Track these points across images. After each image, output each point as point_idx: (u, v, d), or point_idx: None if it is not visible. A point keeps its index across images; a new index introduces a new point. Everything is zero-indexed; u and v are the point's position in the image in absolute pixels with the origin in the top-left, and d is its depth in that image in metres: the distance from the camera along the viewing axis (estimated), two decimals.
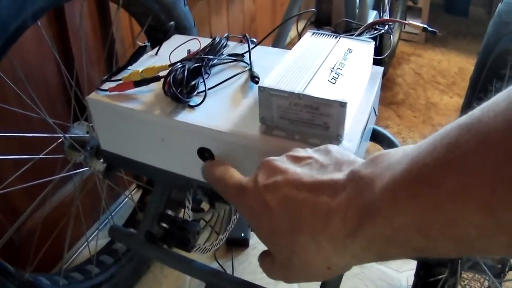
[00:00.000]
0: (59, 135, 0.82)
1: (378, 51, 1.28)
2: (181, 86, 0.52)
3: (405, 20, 2.47)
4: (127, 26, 1.13)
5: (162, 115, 0.53)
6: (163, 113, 0.53)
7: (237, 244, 1.18)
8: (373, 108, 0.59)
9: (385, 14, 1.46)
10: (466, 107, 0.67)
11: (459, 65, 2.41)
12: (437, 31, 0.72)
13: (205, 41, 0.64)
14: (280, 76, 0.47)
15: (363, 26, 0.65)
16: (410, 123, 1.78)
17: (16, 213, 0.94)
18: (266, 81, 0.46)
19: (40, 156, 0.85)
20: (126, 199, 1.27)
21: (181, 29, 0.97)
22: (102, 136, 0.63)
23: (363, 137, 0.51)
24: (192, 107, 0.52)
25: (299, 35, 0.67)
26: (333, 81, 0.46)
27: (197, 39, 0.64)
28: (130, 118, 0.56)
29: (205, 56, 0.55)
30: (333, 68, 0.48)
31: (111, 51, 1.04)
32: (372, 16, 1.23)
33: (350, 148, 0.45)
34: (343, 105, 0.42)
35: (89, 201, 1.07)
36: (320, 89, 0.44)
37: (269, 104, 0.46)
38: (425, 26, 0.70)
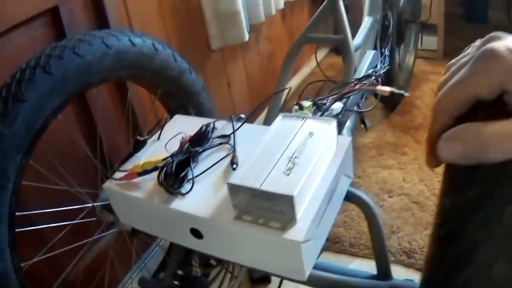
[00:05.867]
0: (89, 205, 0.95)
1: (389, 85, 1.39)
2: (172, 179, 0.63)
3: (421, 39, 2.49)
4: (145, 92, 1.27)
5: (160, 203, 0.64)
6: (160, 201, 0.64)
7: (260, 280, 1.28)
8: (345, 174, 0.69)
9: (386, 49, 1.53)
10: None
11: None
12: (404, 92, 0.79)
13: (201, 121, 0.76)
14: (246, 170, 0.57)
15: (331, 98, 0.75)
16: None
17: (58, 265, 1.08)
18: (233, 178, 0.56)
19: (76, 221, 0.99)
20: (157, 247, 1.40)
21: (191, 94, 1.09)
22: (119, 213, 0.76)
23: (325, 211, 0.60)
24: (183, 194, 0.64)
25: (318, 65, 0.76)
26: (288, 172, 0.56)
27: (196, 119, 0.76)
28: (137, 204, 0.68)
29: (192, 150, 0.67)
30: (291, 157, 0.58)
31: (131, 118, 1.17)
32: (370, 56, 1.30)
33: (302, 229, 0.54)
34: (290, 198, 0.52)
35: (124, 250, 1.21)
36: (275, 183, 0.54)
37: (237, 195, 0.56)
38: (393, 90, 0.78)
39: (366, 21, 1.51)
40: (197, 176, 0.66)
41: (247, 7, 1.61)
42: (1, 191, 0.76)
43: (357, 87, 0.76)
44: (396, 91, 0.76)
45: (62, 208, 0.96)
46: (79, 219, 1.00)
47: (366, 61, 1.26)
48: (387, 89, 0.76)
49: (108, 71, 0.88)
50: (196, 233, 0.63)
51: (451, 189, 0.36)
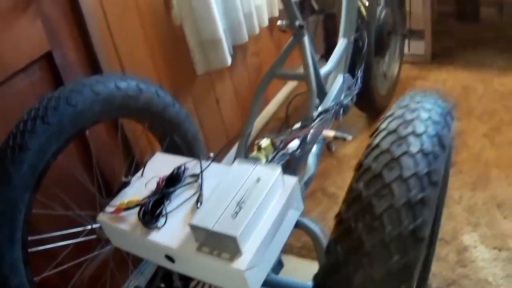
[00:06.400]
0: (89, 227, 1.11)
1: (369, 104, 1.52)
2: (149, 215, 0.79)
3: (408, 45, 2.58)
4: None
5: (141, 235, 0.80)
6: (141, 233, 0.81)
7: None
8: (293, 208, 0.84)
9: (358, 71, 1.65)
10: None
11: (464, 83, 2.46)
12: (346, 137, 0.93)
13: (177, 160, 0.91)
14: (204, 212, 0.73)
15: (283, 142, 0.90)
16: None
17: (66, 276, 1.25)
18: (194, 219, 0.72)
19: (78, 240, 1.15)
20: None
21: (175, 125, 1.24)
22: (112, 238, 0.93)
23: (271, 241, 0.76)
24: (158, 228, 0.80)
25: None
26: (235, 215, 0.71)
27: (173, 158, 0.91)
28: (123, 234, 0.84)
29: (165, 191, 0.82)
30: (239, 202, 0.74)
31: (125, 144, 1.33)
32: (340, 81, 1.43)
33: (246, 259, 0.70)
34: (234, 238, 0.68)
35: (123, 260, 1.37)
36: (223, 225, 0.70)
37: (197, 233, 0.72)
38: (336, 134, 0.92)
39: (341, 43, 1.62)
40: (169, 212, 0.81)
41: (230, 29, 1.73)
42: (14, 222, 0.93)
43: (302, 132, 0.90)
44: (339, 135, 0.90)
45: (67, 231, 1.12)
46: (82, 237, 1.17)
47: (336, 87, 1.40)
48: (331, 133, 0.90)
49: (98, 115, 1.02)
50: (170, 258, 0.79)
51: (325, 252, 0.52)
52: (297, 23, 1.24)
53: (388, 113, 0.64)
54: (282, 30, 1.27)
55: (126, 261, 1.38)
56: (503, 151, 1.93)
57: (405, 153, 0.56)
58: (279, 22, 1.30)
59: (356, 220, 0.51)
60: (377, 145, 0.59)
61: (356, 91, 1.43)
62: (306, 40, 1.26)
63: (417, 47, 2.73)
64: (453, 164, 1.89)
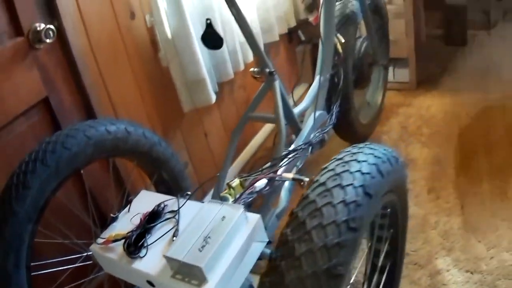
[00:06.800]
0: (84, 254, 1.26)
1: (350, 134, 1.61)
2: (132, 247, 0.94)
3: (393, 72, 2.68)
4: None
5: (126, 263, 0.95)
6: (126, 261, 0.95)
7: None
8: (257, 241, 0.98)
9: (334, 106, 1.79)
10: None
11: (447, 108, 2.53)
12: (303, 179, 1.06)
13: (160, 198, 1.06)
14: (177, 245, 0.88)
15: (248, 185, 1.04)
16: None
17: None
18: (168, 252, 0.87)
19: (76, 265, 1.30)
20: None
21: (162, 162, 1.39)
22: (103, 265, 1.07)
23: (236, 269, 0.90)
24: (141, 257, 0.94)
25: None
26: (202, 249, 0.86)
27: (157, 196, 1.06)
28: (112, 263, 0.99)
29: (147, 226, 0.97)
30: (206, 236, 0.88)
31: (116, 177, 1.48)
32: (312, 119, 1.57)
33: (211, 286, 0.84)
34: (199, 268, 0.82)
35: (117, 282, 1.51)
36: (191, 256, 0.85)
37: (171, 262, 0.87)
38: (294, 176, 1.05)
39: (316, 81, 1.75)
40: (150, 244, 0.96)
41: (215, 67, 1.87)
42: (19, 250, 1.08)
43: (269, 173, 1.05)
44: (297, 177, 1.03)
45: (66, 257, 1.27)
46: (79, 263, 1.31)
47: (309, 125, 1.54)
48: (289, 175, 1.05)
49: (91, 156, 1.18)
50: (150, 283, 0.94)
51: (258, 284, 0.66)
52: (267, 70, 1.39)
53: (325, 165, 0.78)
54: (254, 76, 1.42)
55: (120, 285, 1.52)
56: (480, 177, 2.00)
57: (327, 203, 0.70)
58: (251, 69, 1.45)
59: (281, 259, 0.65)
60: (307, 196, 0.73)
61: (330, 127, 1.57)
62: (277, 85, 1.40)
63: (402, 74, 2.81)
64: (431, 191, 2.00)
